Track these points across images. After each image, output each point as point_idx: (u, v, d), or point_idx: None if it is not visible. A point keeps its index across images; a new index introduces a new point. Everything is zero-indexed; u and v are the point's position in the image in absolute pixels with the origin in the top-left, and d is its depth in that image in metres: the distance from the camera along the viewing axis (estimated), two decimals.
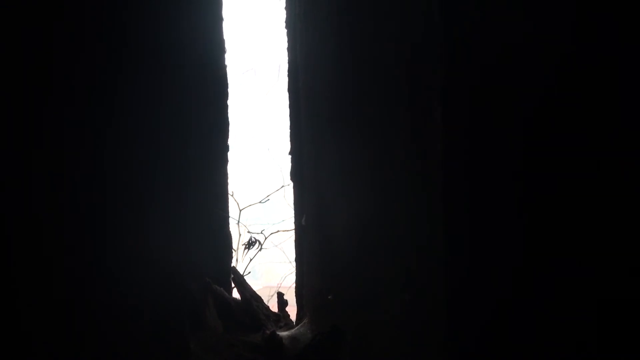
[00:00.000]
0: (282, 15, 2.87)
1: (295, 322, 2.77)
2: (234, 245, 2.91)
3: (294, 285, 2.92)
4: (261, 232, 4.48)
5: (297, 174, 2.84)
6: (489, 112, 1.84)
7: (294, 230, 2.91)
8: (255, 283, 3.18)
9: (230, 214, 2.83)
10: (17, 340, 1.99)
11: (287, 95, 2.86)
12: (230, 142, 2.75)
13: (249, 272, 3.75)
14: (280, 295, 2.92)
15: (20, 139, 2.01)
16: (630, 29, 1.87)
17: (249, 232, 4.39)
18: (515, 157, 1.86)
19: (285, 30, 2.86)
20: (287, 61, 2.87)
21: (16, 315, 2.00)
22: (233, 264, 2.85)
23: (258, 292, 2.85)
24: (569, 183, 1.87)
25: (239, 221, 4.53)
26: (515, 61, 1.86)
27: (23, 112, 2.01)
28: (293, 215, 2.90)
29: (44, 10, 2.04)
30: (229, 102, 2.73)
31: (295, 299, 2.89)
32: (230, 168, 2.79)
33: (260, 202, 5.04)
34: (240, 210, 4.70)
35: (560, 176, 1.87)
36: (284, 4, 2.85)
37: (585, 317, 1.85)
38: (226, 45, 2.73)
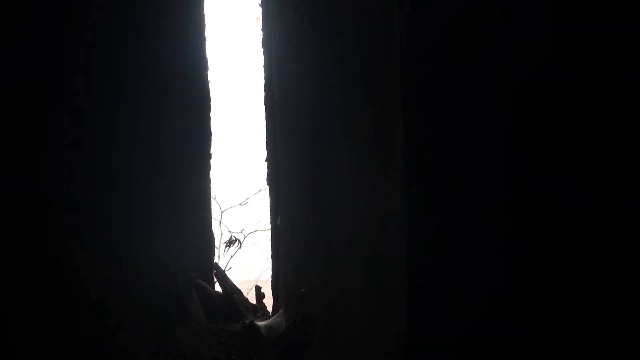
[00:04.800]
0: (260, 36, 2.88)
1: (272, 312, 2.77)
2: (216, 244, 2.91)
3: (270, 279, 2.93)
4: (241, 232, 4.48)
5: (273, 179, 2.85)
6: (457, 119, 1.77)
7: (270, 230, 2.92)
8: (235, 277, 3.18)
9: (212, 215, 2.84)
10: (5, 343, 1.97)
11: (263, 107, 2.88)
12: (212, 150, 2.76)
13: (230, 268, 3.75)
14: (258, 289, 2.93)
15: (6, 138, 1.98)
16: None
17: (229, 231, 4.39)
18: (487, 167, 1.78)
19: (262, 50, 2.87)
20: (263, 77, 2.88)
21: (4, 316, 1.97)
22: (215, 260, 2.85)
23: (238, 286, 2.85)
24: (549, 191, 1.79)
25: (220, 222, 4.54)
26: (483, 66, 1.77)
27: (9, 112, 1.98)
28: (269, 216, 2.91)
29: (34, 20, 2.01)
30: (211, 114, 2.74)
31: (271, 292, 2.90)
32: (213, 174, 2.80)
33: (239, 204, 5.05)
34: (222, 212, 4.71)
35: (540, 186, 1.78)
36: (261, 27, 2.87)
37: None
38: (209, 63, 2.74)
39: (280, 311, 2.68)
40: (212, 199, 2.82)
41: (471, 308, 1.78)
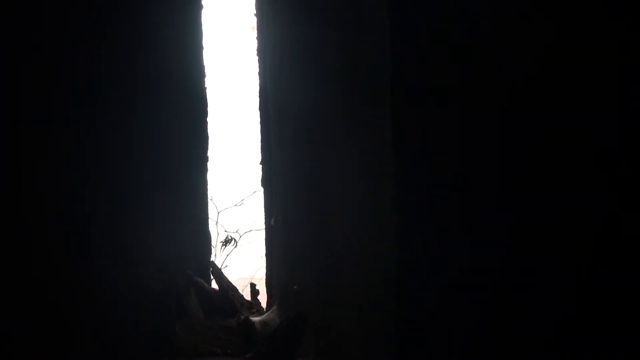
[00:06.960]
0: (254, 44, 2.90)
1: (266, 308, 2.78)
2: (213, 243, 2.91)
3: (265, 277, 2.94)
4: (236, 231, 4.48)
5: (267, 181, 2.86)
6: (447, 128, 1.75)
7: (264, 230, 2.93)
8: (231, 275, 3.18)
9: (209, 216, 2.85)
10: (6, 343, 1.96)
11: (258, 113, 2.89)
12: (209, 153, 2.77)
13: (226, 266, 3.75)
14: (252, 286, 2.93)
15: (8, 142, 1.97)
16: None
17: (225, 231, 4.39)
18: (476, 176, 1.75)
19: (257, 57, 2.88)
20: (258, 83, 2.89)
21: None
22: (212, 258, 2.86)
23: (233, 283, 2.86)
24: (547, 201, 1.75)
25: (217, 222, 4.53)
26: (474, 67, 1.74)
27: (10, 116, 1.98)
28: (263, 216, 2.91)
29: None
30: (208, 119, 2.75)
31: (265, 289, 2.91)
32: (210, 176, 2.81)
33: (235, 205, 5.04)
34: (219, 212, 4.70)
35: (539, 189, 1.75)
36: (256, 35, 2.88)
37: None
38: (206, 70, 2.75)
39: (274, 307, 2.69)
40: (209, 200, 2.83)
41: (462, 311, 1.76)
